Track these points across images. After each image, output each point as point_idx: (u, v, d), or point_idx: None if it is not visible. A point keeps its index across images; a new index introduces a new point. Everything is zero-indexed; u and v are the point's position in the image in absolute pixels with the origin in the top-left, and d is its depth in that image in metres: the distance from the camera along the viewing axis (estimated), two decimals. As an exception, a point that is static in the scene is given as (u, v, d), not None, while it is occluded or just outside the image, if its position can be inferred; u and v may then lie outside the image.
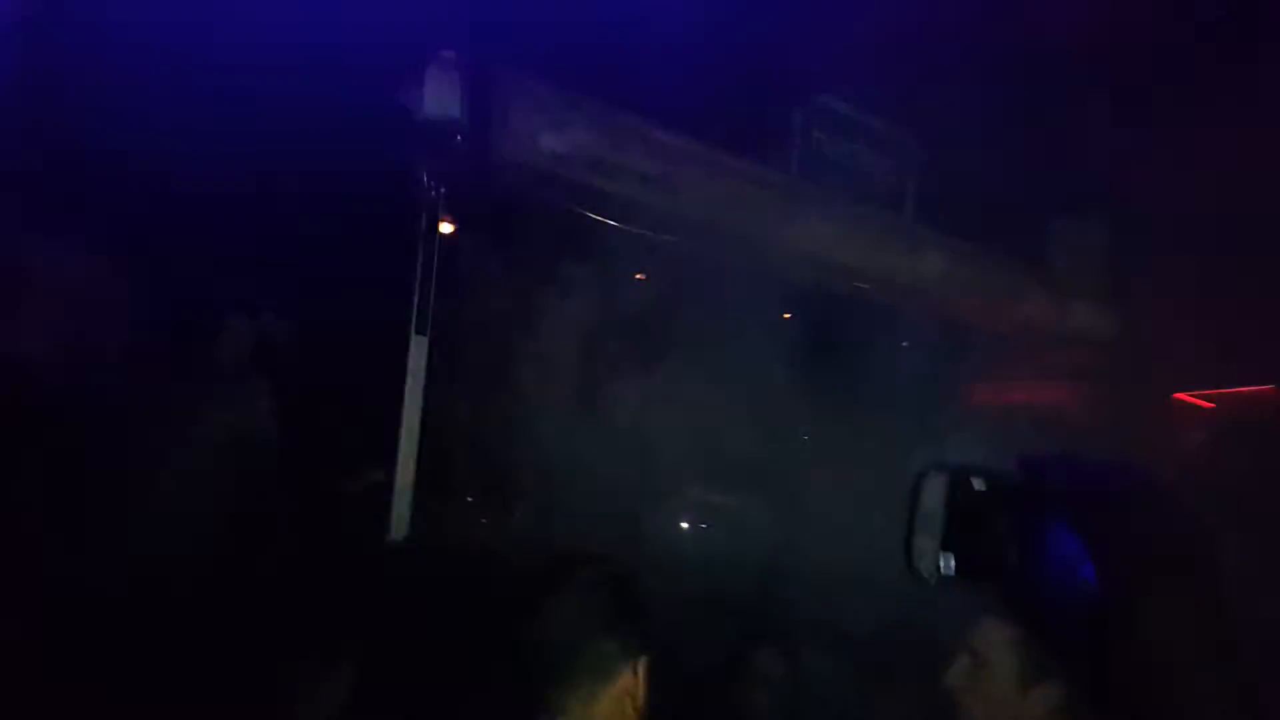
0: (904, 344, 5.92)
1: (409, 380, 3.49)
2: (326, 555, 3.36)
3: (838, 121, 5.14)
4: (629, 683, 1.78)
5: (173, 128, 2.72)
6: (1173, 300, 6.21)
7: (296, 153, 2.99)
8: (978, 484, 0.98)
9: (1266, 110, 5.04)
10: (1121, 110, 5.61)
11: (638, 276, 4.97)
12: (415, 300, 3.52)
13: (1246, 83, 5.08)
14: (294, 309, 3.44)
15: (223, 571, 3.11)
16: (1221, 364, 6.63)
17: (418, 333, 3.53)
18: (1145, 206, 5.94)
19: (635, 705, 1.78)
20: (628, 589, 1.85)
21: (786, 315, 5.84)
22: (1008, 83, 5.23)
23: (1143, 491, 0.82)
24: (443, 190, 3.36)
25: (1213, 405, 7.24)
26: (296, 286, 3.42)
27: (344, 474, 3.73)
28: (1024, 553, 0.92)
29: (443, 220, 3.46)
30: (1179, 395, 7.19)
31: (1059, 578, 0.85)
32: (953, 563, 1.03)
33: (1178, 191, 5.64)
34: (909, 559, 1.15)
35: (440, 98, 3.25)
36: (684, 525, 4.85)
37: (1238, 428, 6.92)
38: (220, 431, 3.30)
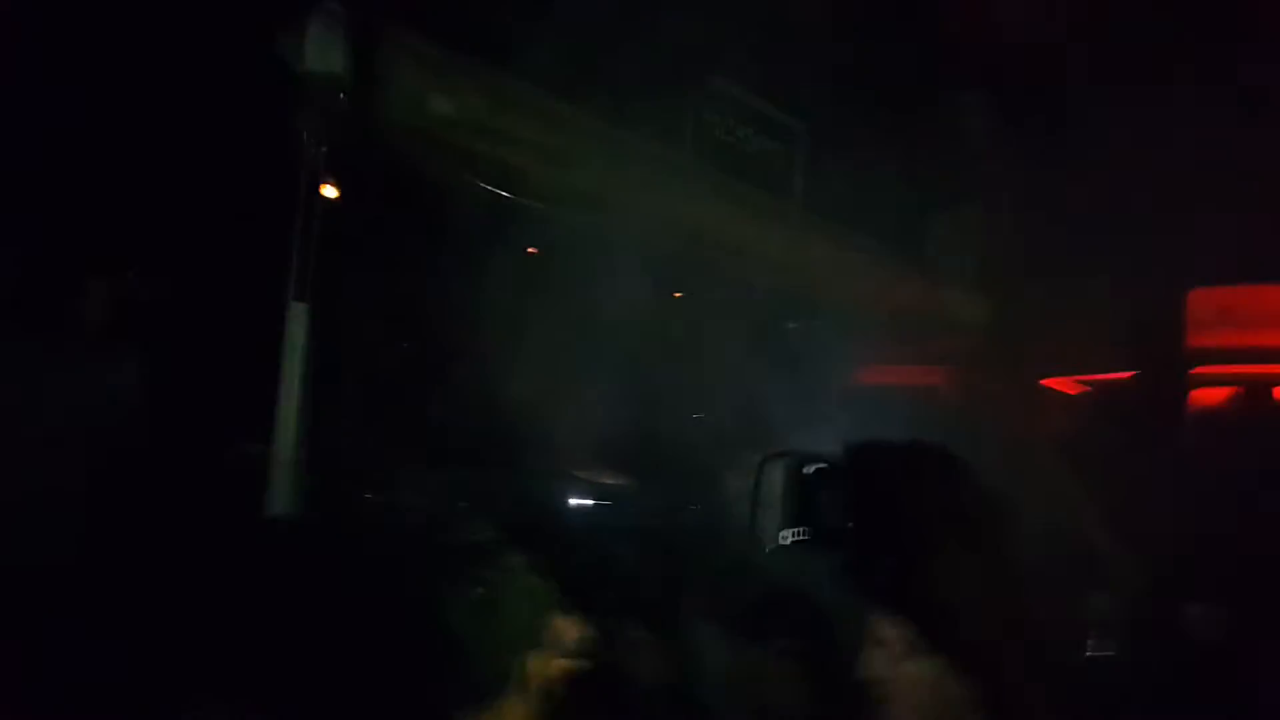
0: (790, 326, 6.02)
1: (287, 349, 3.34)
2: (199, 535, 3.19)
3: (729, 104, 5.18)
4: (543, 673, 1.69)
5: (25, 65, 2.52)
6: (1042, 289, 6.50)
7: (167, 102, 2.82)
8: (807, 468, 1.18)
9: (1137, 108, 5.31)
10: (1000, 102, 5.83)
11: (529, 250, 4.91)
12: (294, 264, 3.36)
13: (1121, 77, 5.34)
14: (164, 271, 3.25)
15: (83, 554, 2.93)
16: (1086, 351, 6.97)
17: (296, 299, 3.38)
18: (1020, 197, 6.19)
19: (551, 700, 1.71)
20: (528, 571, 1.77)
21: (676, 295, 5.87)
22: (892, 73, 5.37)
23: (938, 465, 1.04)
24: (323, 150, 3.21)
25: (1078, 390, 7.61)
26: (167, 247, 3.23)
27: (218, 447, 3.56)
28: (844, 522, 1.16)
29: (324, 182, 3.31)
30: (1047, 381, 7.53)
31: (870, 541, 1.09)
32: (789, 534, 1.29)
33: (1050, 182, 5.90)
34: (752, 532, 1.37)
35: (323, 51, 3.10)
36: (572, 502, 4.81)
37: (1099, 411, 7.29)
38: (79, 401, 3.09)
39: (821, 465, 1.19)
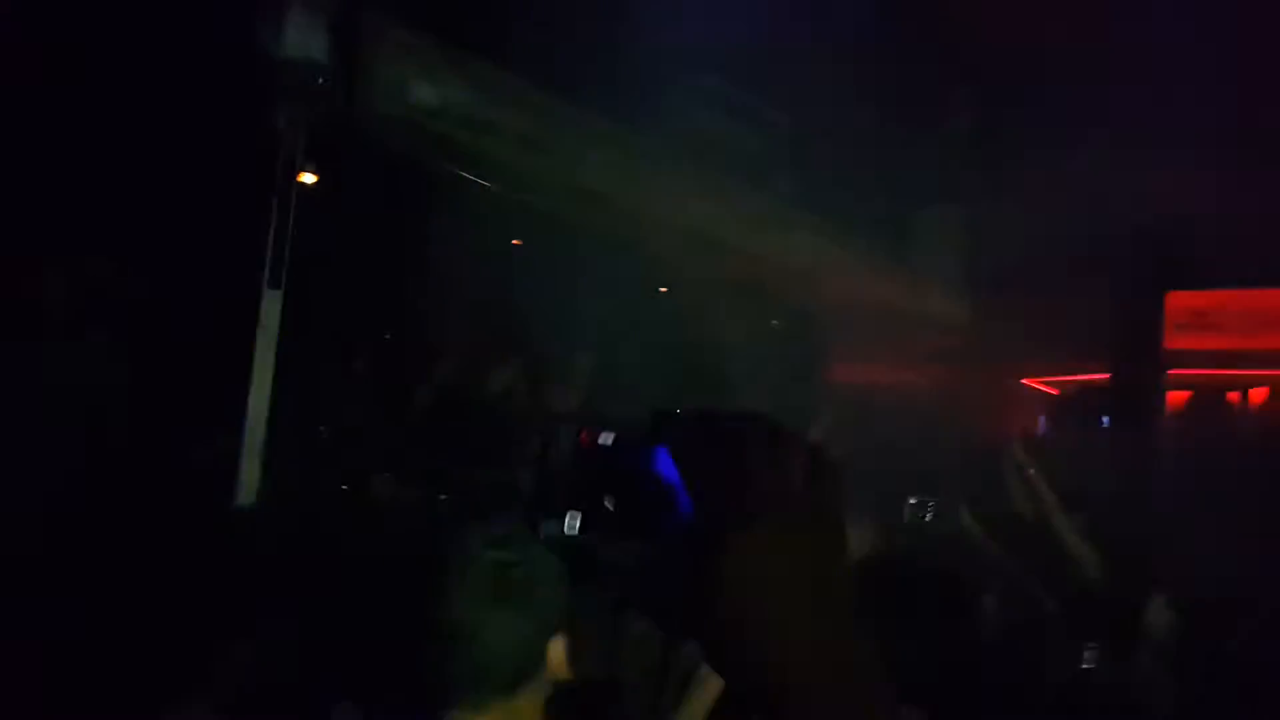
0: (772, 321, 6.02)
1: (260, 336, 3.30)
2: (168, 523, 3.14)
3: (714, 99, 5.15)
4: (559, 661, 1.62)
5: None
6: (1021, 290, 6.52)
7: (144, 86, 2.76)
8: (604, 438, 0.96)
9: (1121, 115, 5.33)
10: (987, 104, 5.84)
11: (514, 242, 4.87)
12: (270, 252, 3.32)
13: (1102, 83, 5.35)
14: (138, 257, 3.19)
15: (54, 544, 2.87)
16: (1061, 351, 7.00)
17: (271, 286, 3.34)
18: (1002, 198, 6.20)
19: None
20: (514, 562, 1.67)
21: (661, 289, 5.85)
22: (879, 71, 5.36)
23: (750, 435, 0.79)
24: (302, 136, 3.17)
25: (1054, 390, 7.65)
26: (141, 233, 3.17)
27: (189, 435, 3.50)
28: (639, 503, 0.90)
29: (302, 169, 3.27)
30: (1025, 379, 7.57)
31: (669, 523, 0.84)
32: (577, 521, 1.00)
33: (1032, 185, 5.91)
34: (533, 521, 1.13)
35: (304, 38, 3.06)
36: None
37: (1076, 411, 7.34)
38: (50, 386, 3.03)
39: (618, 435, 0.99)
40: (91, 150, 2.79)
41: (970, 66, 5.88)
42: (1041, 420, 7.33)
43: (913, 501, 4.66)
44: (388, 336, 4.47)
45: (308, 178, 3.29)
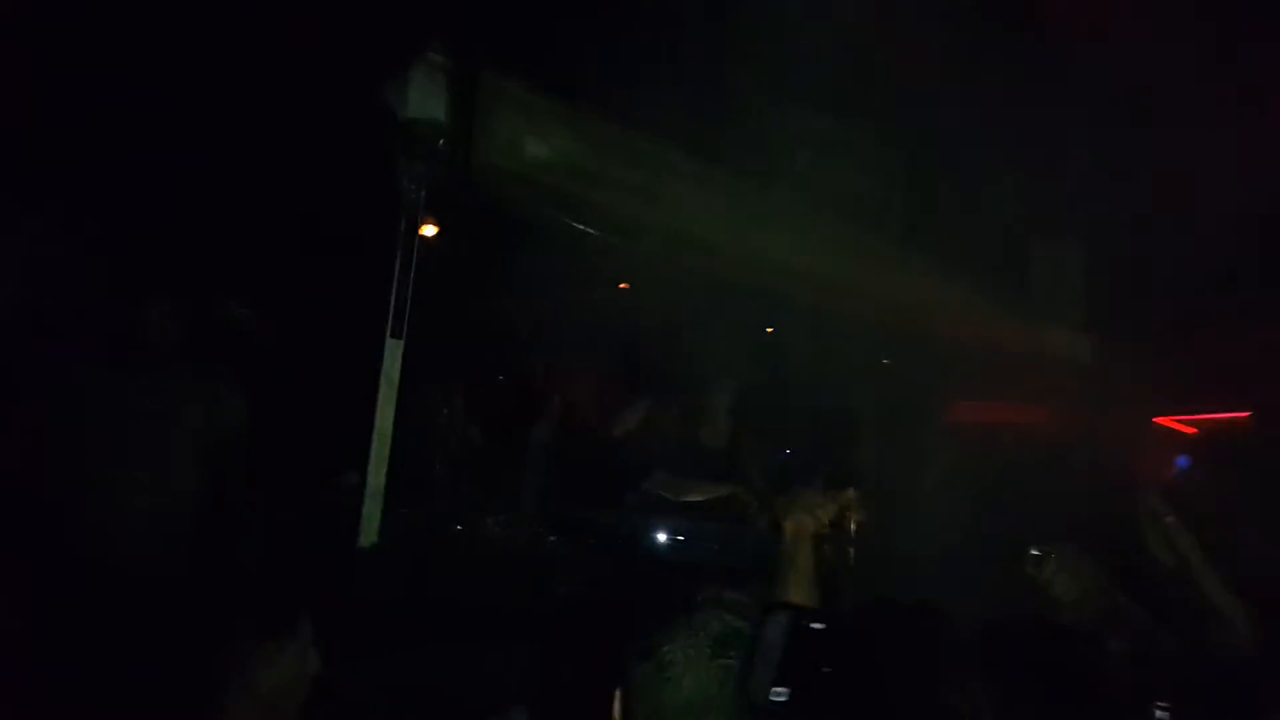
0: (885, 360, 5.94)
1: (383, 383, 3.46)
2: (294, 561, 3.30)
3: (824, 139, 5.15)
4: None
5: (147, 108, 2.69)
6: (1153, 325, 6.25)
7: (279, 146, 2.97)
8: (816, 624, 1.03)
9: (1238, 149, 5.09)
10: (1106, 139, 5.66)
11: (621, 285, 4.96)
12: (393, 302, 3.49)
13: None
14: (271, 306, 3.41)
15: (185, 575, 3.04)
16: (1200, 390, 6.67)
17: (393, 336, 3.50)
18: (1128, 232, 5.98)
19: None
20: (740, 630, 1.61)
21: (769, 329, 5.85)
22: (993, 105, 5.27)
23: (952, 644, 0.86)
24: (423, 193, 3.33)
25: (1192, 430, 7.27)
26: (274, 284, 3.39)
27: (315, 476, 3.68)
28: (847, 692, 0.99)
29: (423, 223, 3.44)
30: (1159, 419, 7.22)
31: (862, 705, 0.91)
32: (783, 695, 1.10)
33: (1160, 220, 5.68)
34: (744, 686, 1.22)
35: (424, 99, 3.23)
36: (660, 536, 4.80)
37: (1215, 452, 6.95)
38: (186, 426, 3.23)
39: (823, 625, 1.07)
40: (229, 202, 3.01)
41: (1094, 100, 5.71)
42: (1180, 462, 6.98)
43: (1035, 552, 4.49)
44: (501, 379, 4.61)
45: (427, 231, 3.45)
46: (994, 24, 5.00)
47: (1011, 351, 6.29)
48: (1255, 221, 5.41)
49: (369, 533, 3.39)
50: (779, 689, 1.00)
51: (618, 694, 1.58)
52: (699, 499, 4.82)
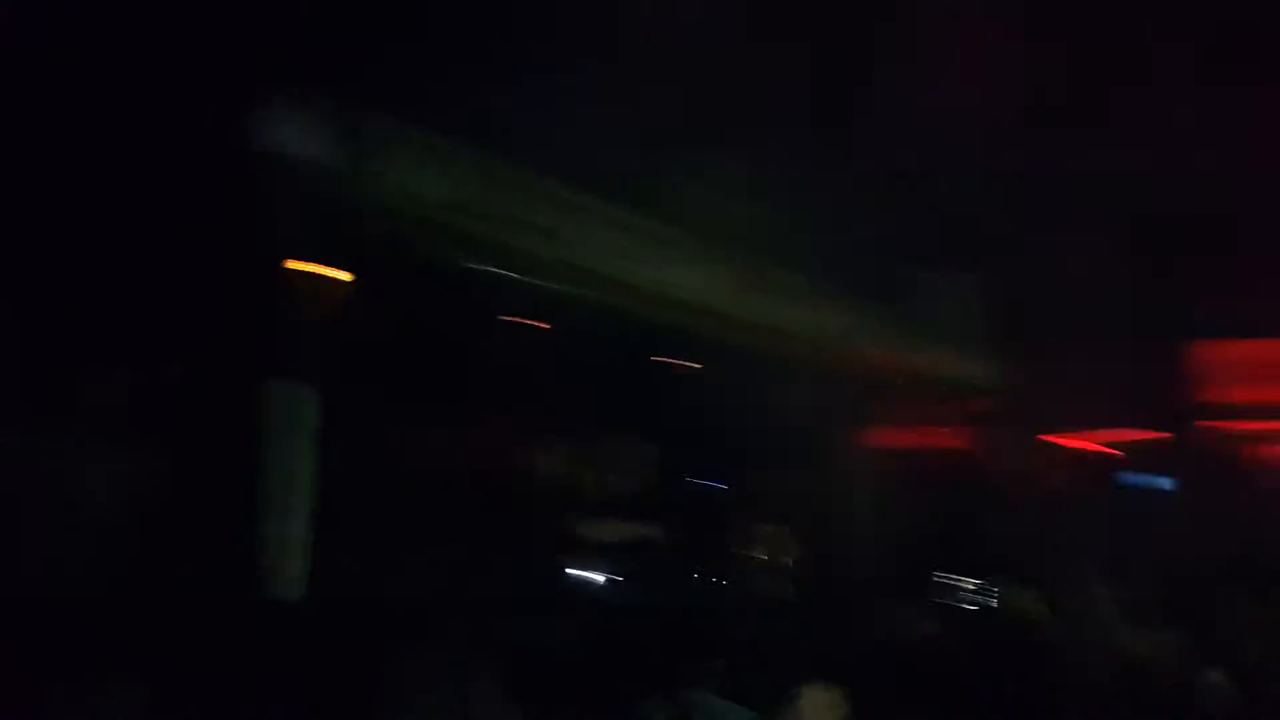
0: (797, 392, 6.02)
1: (281, 431, 3.40)
2: (204, 612, 3.21)
3: (717, 176, 5.25)
4: None
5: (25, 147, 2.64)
6: (1051, 350, 6.48)
7: (153, 190, 2.93)
8: None
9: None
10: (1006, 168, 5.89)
11: (542, 326, 4.96)
12: (291, 350, 3.45)
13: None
14: (163, 356, 3.33)
15: (92, 631, 2.94)
16: (1091, 410, 6.90)
17: (294, 381, 3.45)
18: (1029, 261, 6.20)
19: None
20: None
21: (696, 365, 5.90)
22: (897, 141, 5.45)
23: None
24: (317, 234, 3.31)
25: (1089, 448, 7.51)
26: (166, 333, 3.31)
27: (220, 527, 3.58)
28: None
29: (318, 265, 3.41)
30: (1055, 439, 7.44)
31: None
32: None
33: (1057, 244, 5.93)
34: None
35: (310, 138, 3.22)
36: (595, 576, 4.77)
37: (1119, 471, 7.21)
38: (87, 482, 3.15)
39: None
40: (113, 258, 2.95)
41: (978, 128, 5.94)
42: (1083, 481, 7.19)
43: (971, 585, 4.64)
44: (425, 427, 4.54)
45: (322, 273, 3.42)
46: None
47: (917, 380, 6.46)
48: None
49: (281, 584, 3.32)
50: None
51: None
52: (616, 539, 4.82)
